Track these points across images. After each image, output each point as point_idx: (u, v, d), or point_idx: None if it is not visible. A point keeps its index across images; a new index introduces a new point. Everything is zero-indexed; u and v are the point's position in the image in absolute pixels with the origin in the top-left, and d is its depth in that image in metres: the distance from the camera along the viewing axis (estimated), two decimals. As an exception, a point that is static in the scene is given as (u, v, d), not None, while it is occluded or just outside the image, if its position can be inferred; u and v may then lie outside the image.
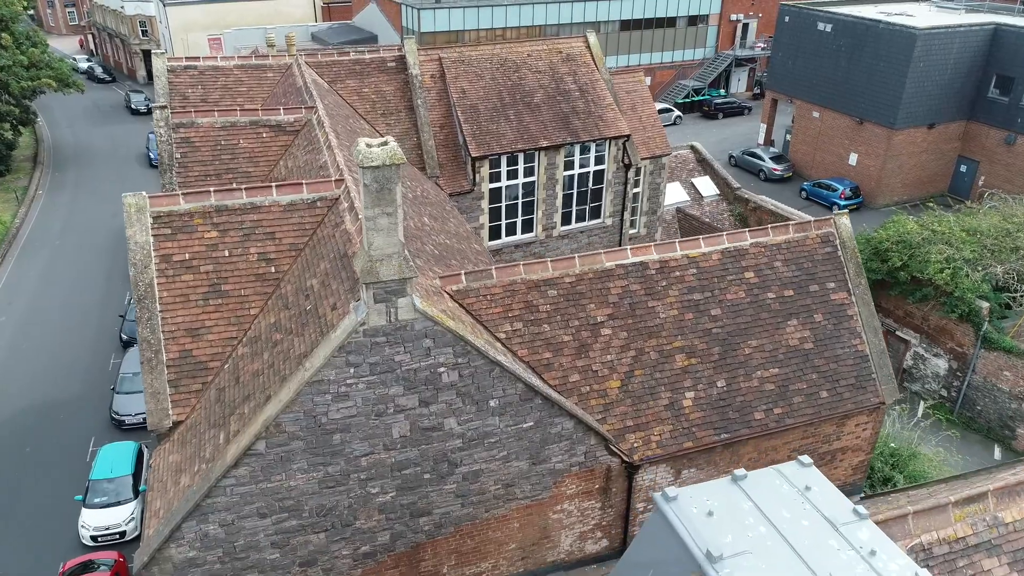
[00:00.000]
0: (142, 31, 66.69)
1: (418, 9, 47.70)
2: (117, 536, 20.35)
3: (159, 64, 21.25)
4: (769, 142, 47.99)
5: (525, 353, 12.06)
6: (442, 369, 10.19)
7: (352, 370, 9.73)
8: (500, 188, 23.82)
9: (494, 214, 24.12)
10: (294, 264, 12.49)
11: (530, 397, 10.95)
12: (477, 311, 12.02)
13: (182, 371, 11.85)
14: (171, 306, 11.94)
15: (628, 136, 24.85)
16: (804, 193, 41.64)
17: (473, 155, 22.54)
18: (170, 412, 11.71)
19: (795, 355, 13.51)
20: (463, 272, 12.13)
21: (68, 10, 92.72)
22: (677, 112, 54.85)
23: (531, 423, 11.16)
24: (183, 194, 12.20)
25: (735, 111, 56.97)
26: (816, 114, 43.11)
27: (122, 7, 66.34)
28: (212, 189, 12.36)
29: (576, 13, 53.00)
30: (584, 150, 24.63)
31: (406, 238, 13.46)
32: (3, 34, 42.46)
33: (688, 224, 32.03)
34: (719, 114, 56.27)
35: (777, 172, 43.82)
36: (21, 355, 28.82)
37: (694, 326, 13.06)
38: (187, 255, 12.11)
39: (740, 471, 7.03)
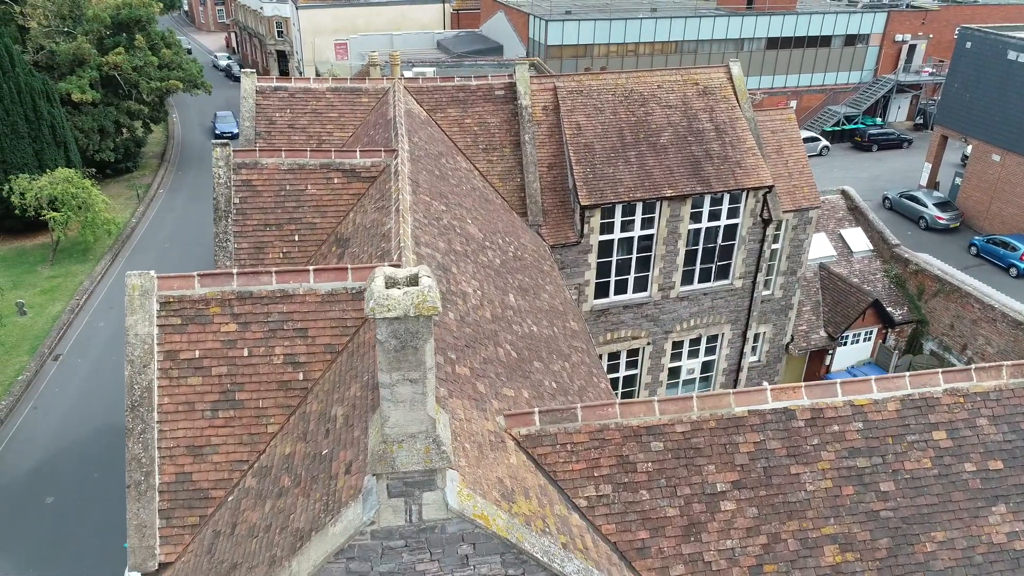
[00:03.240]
0: (278, 32, 67.75)
1: (546, 21, 44.92)
2: None
3: (247, 84, 19.44)
4: (933, 185, 41.85)
5: (612, 530, 8.82)
6: (485, 581, 7.15)
7: (355, 579, 6.87)
8: (612, 240, 20.53)
9: (602, 269, 20.85)
10: (327, 372, 9.82)
11: (610, 617, 7.72)
12: (552, 466, 8.90)
13: (177, 499, 9.44)
14: (172, 416, 9.56)
15: (771, 187, 20.92)
16: (974, 249, 35.63)
17: (583, 203, 19.37)
18: (157, 551, 9.33)
19: (1000, 558, 9.52)
20: (537, 411, 9.02)
21: (218, 8, 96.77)
22: (824, 142, 49.29)
23: (609, 648, 7.93)
24: (199, 276, 9.80)
25: (892, 143, 50.64)
26: (997, 157, 36.87)
27: (261, 8, 67.66)
28: (235, 271, 9.90)
29: (718, 29, 48.55)
30: (716, 201, 20.90)
31: (476, 340, 10.54)
32: (137, 35, 43.17)
33: (832, 285, 27.48)
34: (873, 146, 50.15)
35: (942, 221, 37.88)
36: (111, 367, 28.27)
37: (854, 506, 9.37)
38: (197, 352, 9.70)
39: None
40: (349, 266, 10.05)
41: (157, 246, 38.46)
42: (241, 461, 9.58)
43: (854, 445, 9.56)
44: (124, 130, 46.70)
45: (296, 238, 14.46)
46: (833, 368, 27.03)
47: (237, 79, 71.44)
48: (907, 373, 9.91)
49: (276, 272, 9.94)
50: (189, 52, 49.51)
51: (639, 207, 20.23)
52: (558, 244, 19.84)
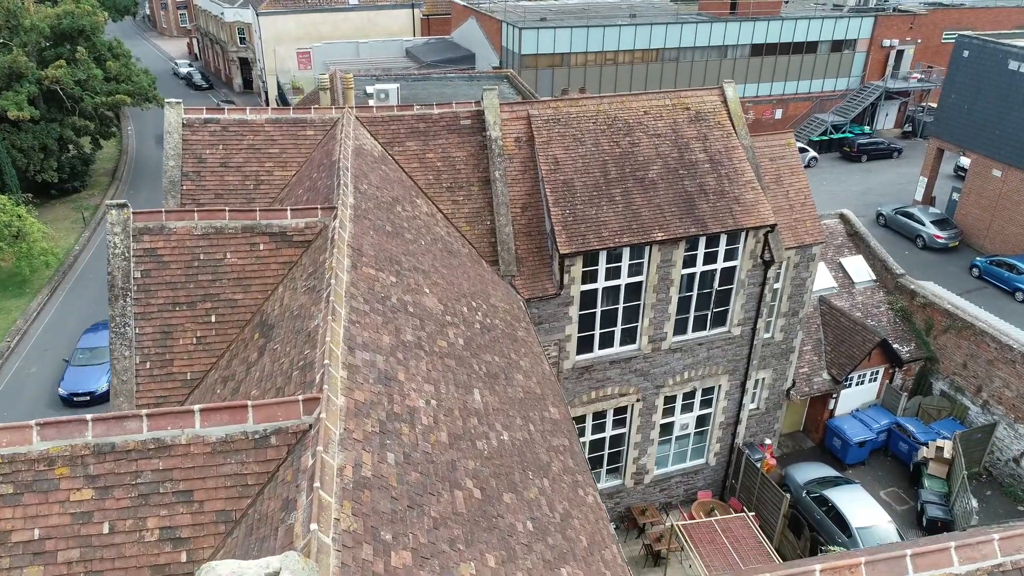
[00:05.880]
0: (240, 39, 64.65)
1: (520, 28, 42.40)
2: None
3: (171, 116, 16.75)
4: (929, 200, 39.89)
5: None
6: None
7: None
8: (596, 290, 18.08)
9: (586, 322, 18.39)
10: (219, 550, 7.22)
11: None
12: None
13: None
14: (0, 623, 6.91)
15: (773, 227, 18.58)
16: (976, 271, 33.63)
17: (562, 251, 16.90)
18: None
19: None
20: (504, 622, 6.51)
21: (180, 12, 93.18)
22: (812, 152, 47.28)
23: None
24: (38, 425, 7.15)
25: (882, 153, 48.71)
26: (998, 172, 34.92)
27: (222, 13, 64.53)
28: (89, 417, 7.26)
29: (700, 36, 46.33)
30: (712, 243, 18.53)
31: (425, 489, 7.99)
32: (80, 47, 40.05)
33: (834, 321, 25.22)
34: (862, 156, 48.17)
35: (940, 240, 35.87)
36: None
37: None
38: (37, 532, 7.06)
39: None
40: (249, 403, 7.44)
41: (102, 278, 35.35)
42: None
43: (931, 640, 7.13)
44: (70, 147, 43.55)
45: (213, 319, 11.82)
46: (837, 412, 24.80)
47: (198, 88, 68.24)
48: (995, 535, 7.50)
49: (148, 416, 7.31)
50: (147, 72, 45.98)
51: (626, 252, 17.81)
52: (535, 297, 17.36)
